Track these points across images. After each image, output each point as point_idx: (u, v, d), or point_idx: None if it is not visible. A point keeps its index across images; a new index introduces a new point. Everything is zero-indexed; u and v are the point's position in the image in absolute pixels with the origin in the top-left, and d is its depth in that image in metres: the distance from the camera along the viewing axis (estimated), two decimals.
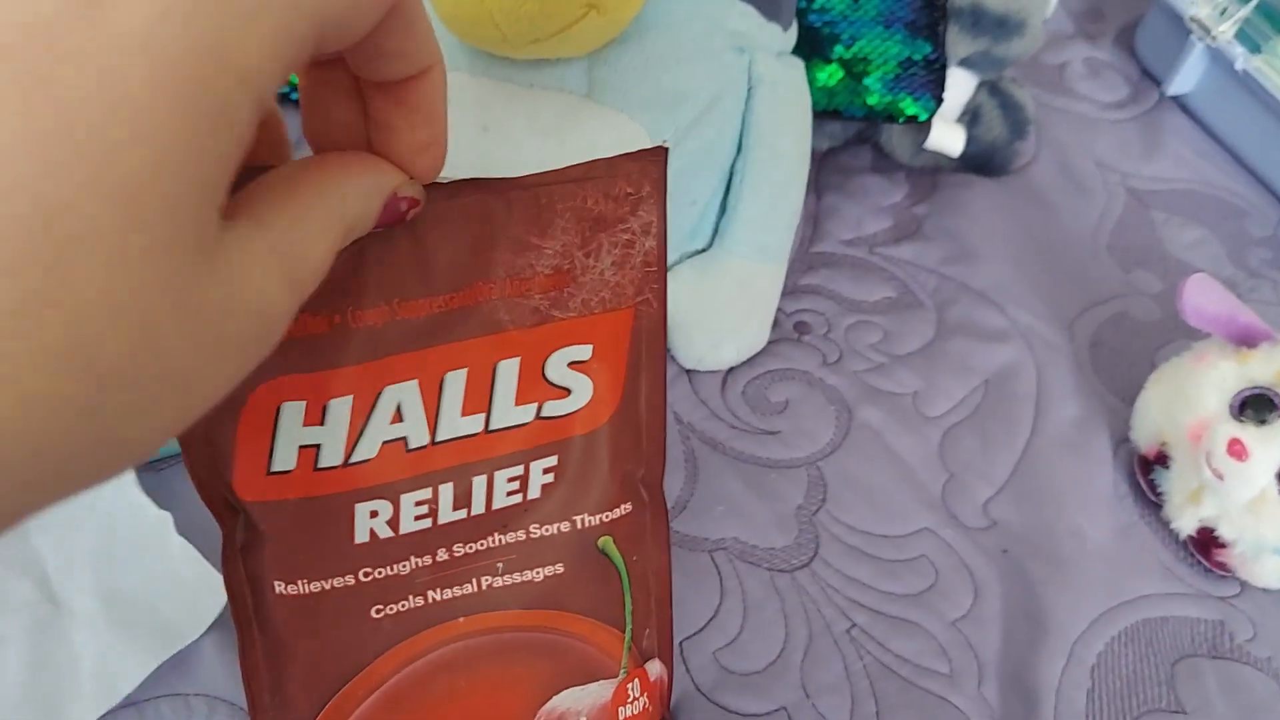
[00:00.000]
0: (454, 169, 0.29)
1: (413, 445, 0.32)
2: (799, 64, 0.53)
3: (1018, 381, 0.54)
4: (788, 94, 0.52)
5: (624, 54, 0.46)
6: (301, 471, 0.32)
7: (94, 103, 0.18)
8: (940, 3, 0.55)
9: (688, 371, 0.53)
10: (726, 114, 0.50)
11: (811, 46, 0.55)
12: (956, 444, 0.52)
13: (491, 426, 0.33)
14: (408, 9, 0.24)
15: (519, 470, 0.34)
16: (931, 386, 0.54)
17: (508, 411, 0.33)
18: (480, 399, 0.33)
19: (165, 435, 0.21)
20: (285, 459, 0.31)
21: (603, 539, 0.35)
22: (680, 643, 0.45)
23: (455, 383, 0.32)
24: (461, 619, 0.35)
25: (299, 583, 0.33)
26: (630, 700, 0.38)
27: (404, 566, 0.34)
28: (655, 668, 0.39)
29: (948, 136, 0.57)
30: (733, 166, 0.52)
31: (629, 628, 0.37)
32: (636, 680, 0.38)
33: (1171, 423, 0.48)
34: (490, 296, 0.32)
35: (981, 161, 0.62)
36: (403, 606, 0.34)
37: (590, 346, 0.33)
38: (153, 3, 0.18)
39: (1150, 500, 0.50)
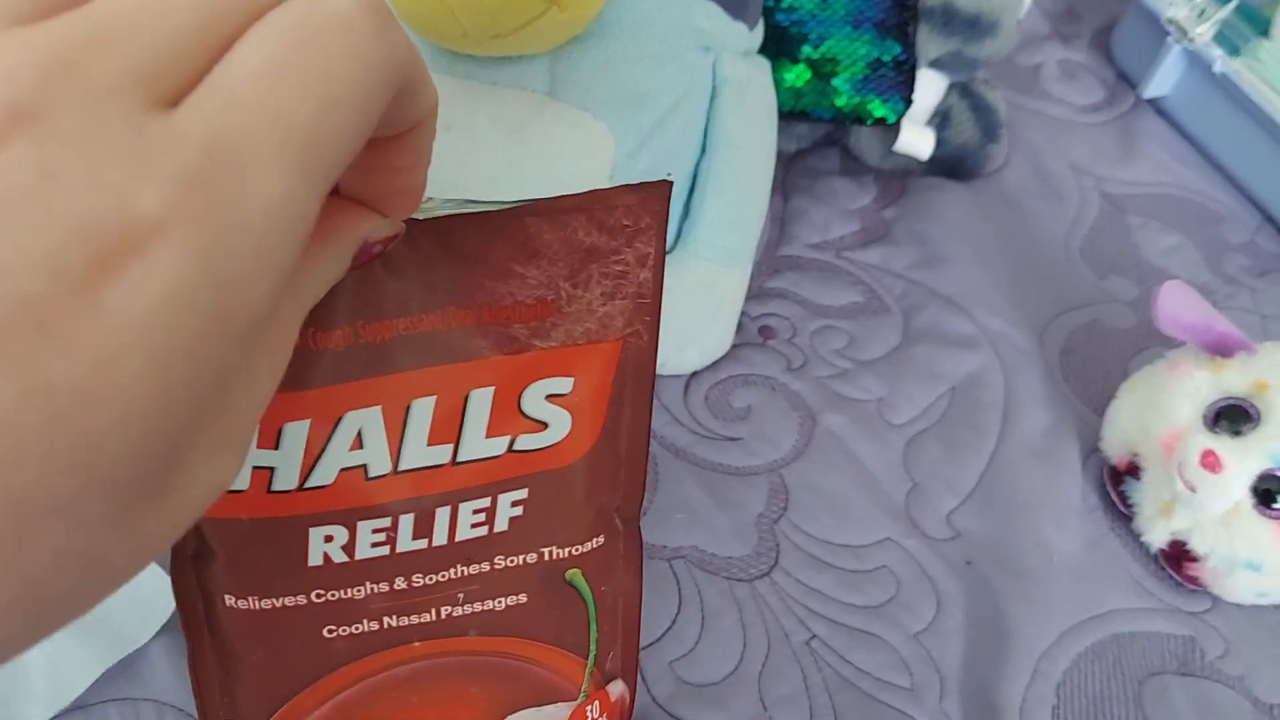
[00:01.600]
0: None
1: (373, 473, 0.31)
2: (765, 64, 0.52)
3: (985, 389, 0.53)
4: (753, 94, 0.51)
5: (587, 52, 0.45)
6: (254, 493, 0.30)
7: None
8: (910, 2, 0.54)
9: None
10: (691, 114, 0.49)
11: (778, 46, 0.54)
12: (921, 452, 0.51)
13: (459, 458, 0.31)
14: (413, 82, 0.22)
15: (485, 502, 0.32)
16: (897, 393, 0.53)
17: (478, 443, 0.31)
18: (449, 429, 0.31)
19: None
20: (238, 479, 0.30)
21: (571, 571, 0.34)
22: None
23: (422, 410, 0.31)
24: (418, 643, 0.34)
25: (249, 598, 0.32)
26: None
27: (359, 591, 0.32)
28: (617, 688, 0.38)
29: (917, 139, 0.56)
30: (697, 167, 0.51)
31: (592, 653, 0.36)
32: (597, 702, 0.37)
33: (1144, 433, 0.47)
34: (465, 322, 0.30)
35: (952, 165, 0.61)
36: (356, 629, 0.33)
37: (571, 380, 0.32)
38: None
39: (1120, 512, 0.49)
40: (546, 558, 0.34)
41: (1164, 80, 0.67)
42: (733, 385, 0.52)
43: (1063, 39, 0.73)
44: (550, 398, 0.32)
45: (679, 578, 0.46)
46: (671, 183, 0.30)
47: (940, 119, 0.59)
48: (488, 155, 0.46)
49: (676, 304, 0.50)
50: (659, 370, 0.51)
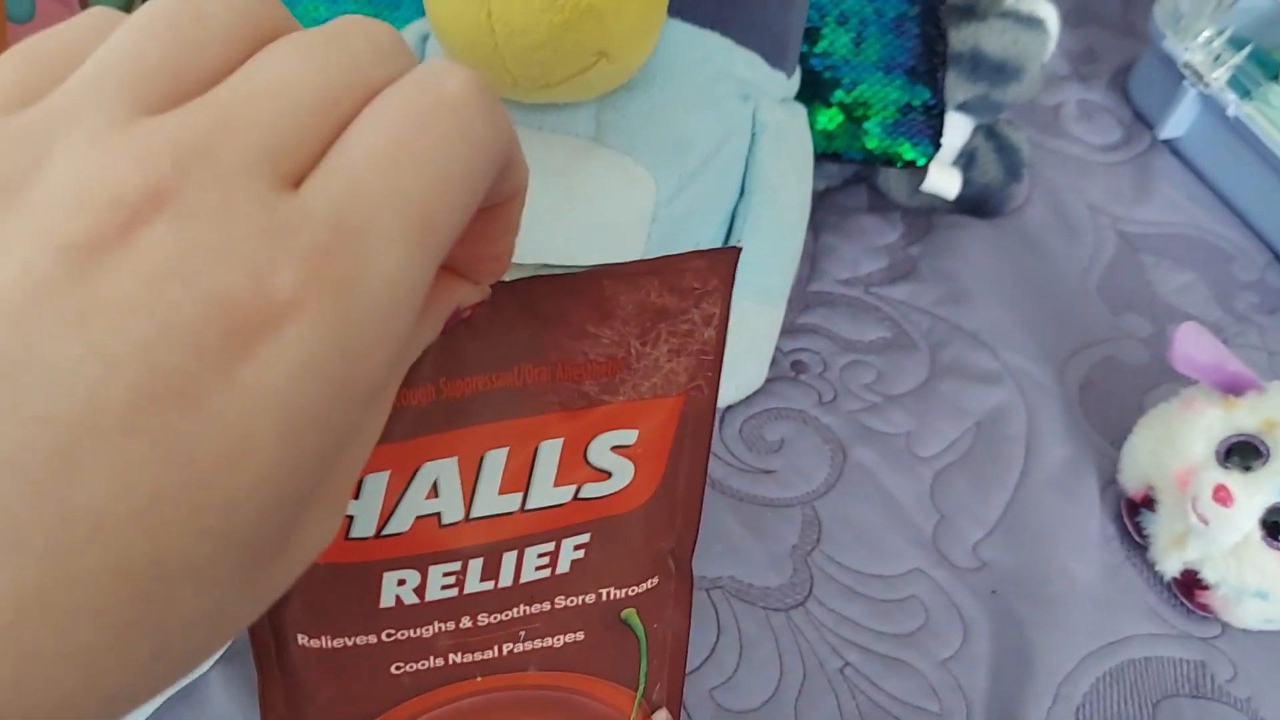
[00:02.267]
0: None
1: (446, 521, 0.32)
2: (802, 111, 0.54)
3: (1009, 423, 0.55)
4: (791, 141, 0.52)
5: (631, 100, 0.47)
6: (334, 540, 0.32)
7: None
8: (940, 49, 0.56)
9: None
10: (730, 159, 0.51)
11: (812, 90, 0.56)
12: (948, 485, 0.53)
13: (528, 506, 0.33)
14: (511, 162, 0.23)
15: (550, 547, 0.34)
16: (924, 427, 0.55)
17: (545, 492, 0.33)
18: (519, 478, 0.32)
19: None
20: None
21: (626, 611, 0.36)
22: None
23: (495, 461, 0.32)
24: (479, 678, 0.35)
25: (322, 638, 0.33)
26: None
27: (427, 630, 0.34)
28: (662, 716, 0.39)
29: (944, 179, 0.58)
30: (735, 210, 0.52)
31: (641, 686, 0.37)
32: None
33: (1159, 467, 0.49)
34: (540, 379, 0.32)
35: (977, 203, 0.63)
36: (423, 666, 0.35)
37: (636, 432, 0.33)
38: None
39: (1136, 542, 0.51)
40: (604, 598, 0.35)
41: (1179, 122, 0.68)
42: (767, 419, 0.54)
43: (1082, 79, 0.74)
44: (615, 449, 0.33)
45: (717, 607, 0.48)
46: (740, 249, 0.32)
47: (966, 159, 0.61)
48: (534, 197, 0.48)
49: None
50: None
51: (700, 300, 0.32)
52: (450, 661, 0.35)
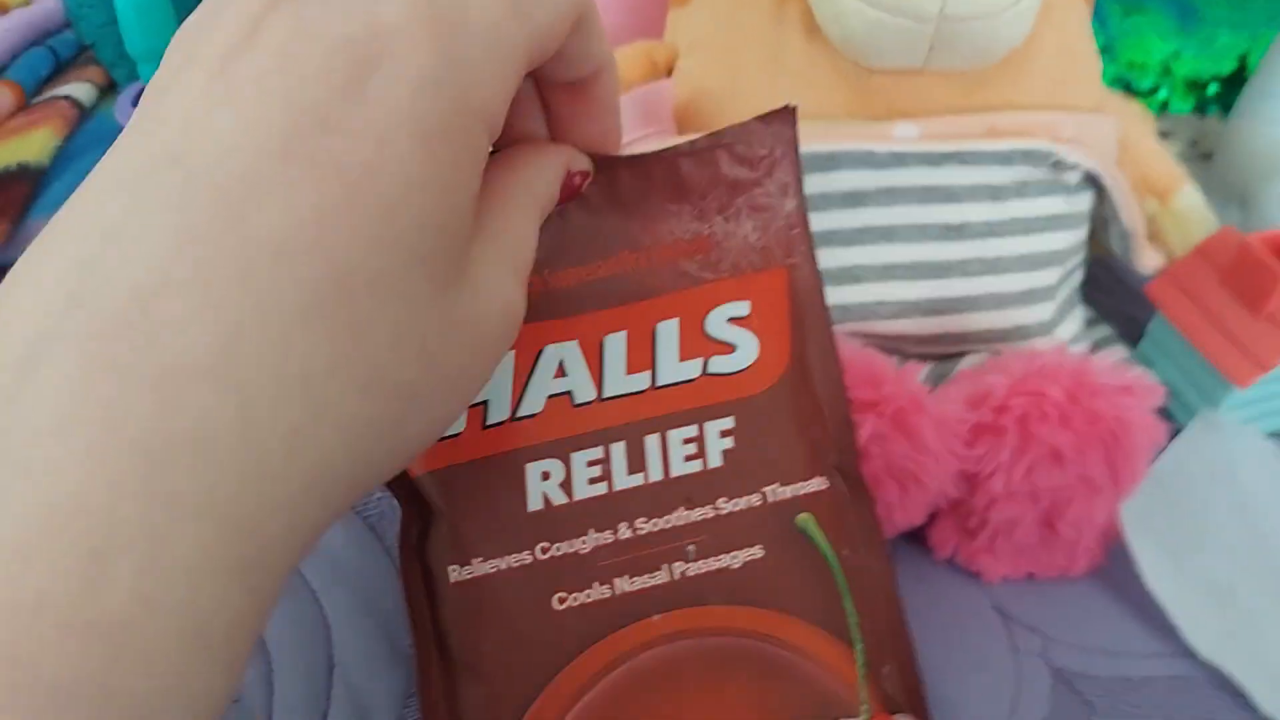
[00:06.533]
0: None
1: (579, 400, 0.33)
2: None
3: None
4: None
5: None
6: (470, 432, 0.32)
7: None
8: None
9: None
10: None
11: None
12: None
13: (658, 382, 0.33)
14: (588, 20, 0.27)
15: (693, 430, 0.33)
16: None
17: (673, 367, 0.33)
18: (643, 357, 0.33)
19: (444, 428, 0.25)
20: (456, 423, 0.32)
21: (801, 516, 0.32)
22: None
23: (616, 344, 0.33)
24: (656, 616, 0.31)
25: (474, 563, 0.32)
26: None
27: (584, 543, 0.32)
28: None
29: None
30: None
31: (859, 646, 0.31)
32: None
33: None
34: (638, 265, 0.34)
35: None
36: (588, 597, 0.31)
37: (748, 303, 0.34)
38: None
39: None
40: (769, 499, 0.32)
41: None
42: None
43: None
44: (732, 320, 0.34)
45: None
46: (795, 108, 0.35)
47: None
48: None
49: None
50: None
51: (772, 169, 0.35)
52: (618, 590, 0.31)
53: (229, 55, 0.22)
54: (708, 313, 0.34)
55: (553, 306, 0.33)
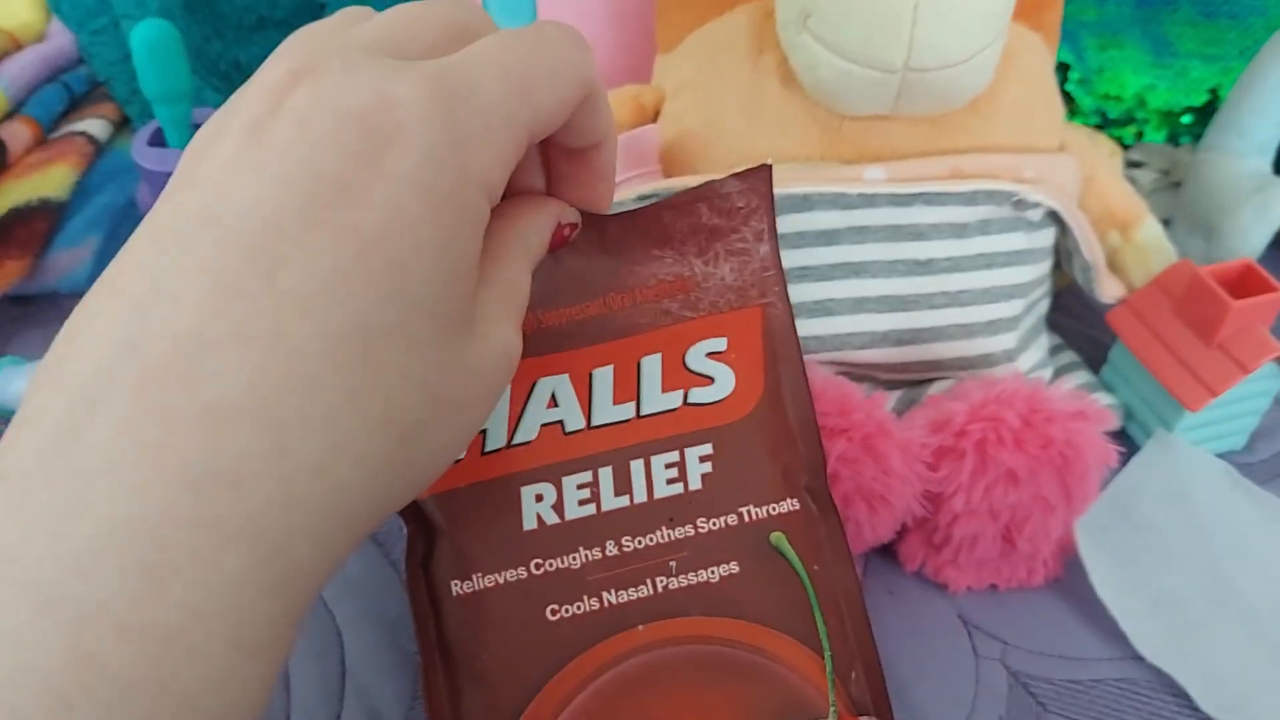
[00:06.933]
0: None
1: (569, 428, 0.36)
2: None
3: None
4: None
5: None
6: (470, 458, 0.36)
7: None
8: None
9: None
10: None
11: None
12: None
13: (642, 412, 0.36)
14: (594, 98, 0.30)
15: (675, 456, 0.35)
16: None
17: (656, 398, 0.36)
18: (628, 389, 0.36)
19: (449, 460, 0.28)
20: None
21: (774, 535, 0.35)
22: None
23: (603, 377, 0.36)
24: (641, 626, 0.34)
25: (474, 578, 0.35)
26: None
27: (574, 560, 0.35)
28: None
29: None
30: None
31: (827, 653, 0.34)
32: None
33: None
34: (624, 304, 0.37)
35: None
36: (578, 609, 0.34)
37: (725, 339, 0.37)
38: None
39: None
40: (746, 518, 0.35)
41: None
42: None
43: None
44: (711, 355, 0.37)
45: None
46: (770, 165, 0.38)
47: None
48: None
49: None
50: None
51: (748, 218, 0.38)
52: (605, 603, 0.34)
53: (256, 125, 0.25)
54: (688, 348, 0.37)
55: (545, 343, 0.37)
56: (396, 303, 0.24)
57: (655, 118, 0.52)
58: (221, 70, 0.70)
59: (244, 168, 0.24)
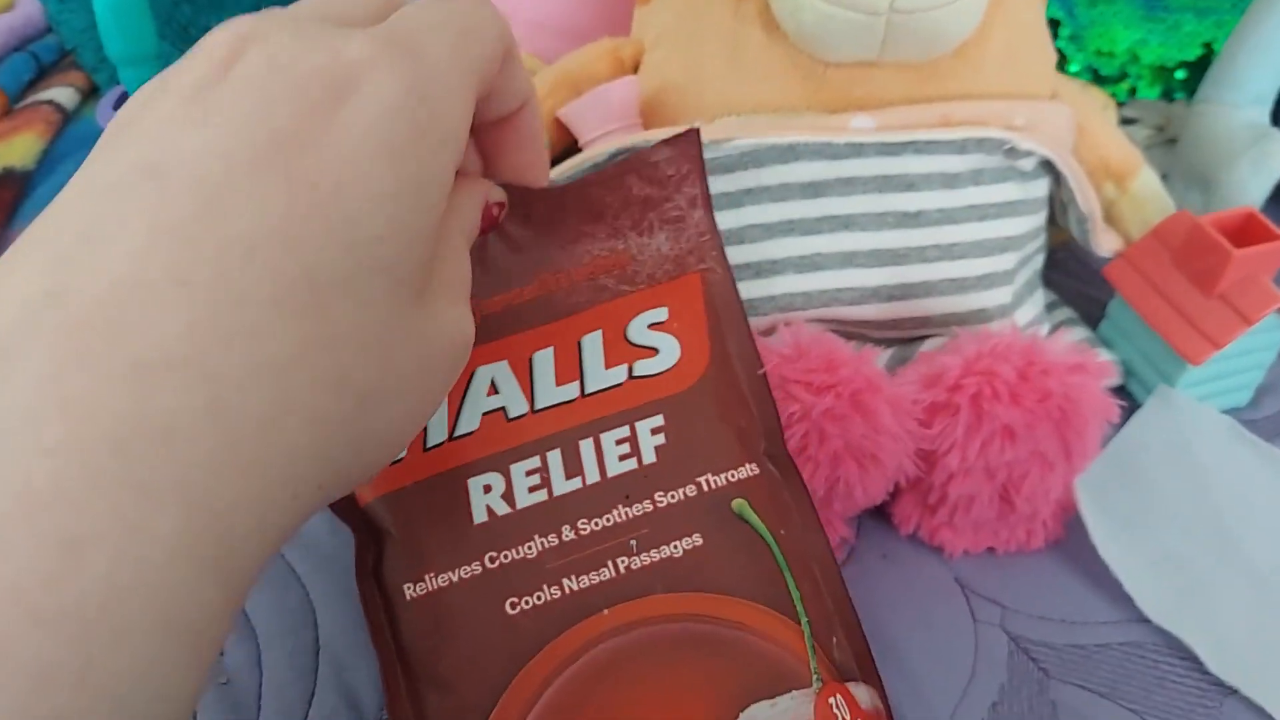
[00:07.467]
0: None
1: (513, 414, 0.35)
2: None
3: None
4: None
5: None
6: (412, 455, 0.34)
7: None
8: None
9: None
10: None
11: None
12: None
13: (587, 390, 0.35)
14: (512, 56, 0.30)
15: (625, 431, 0.34)
16: None
17: (600, 374, 0.35)
18: (571, 369, 0.35)
19: (408, 437, 0.27)
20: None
21: (736, 502, 0.34)
22: None
23: (544, 360, 0.35)
24: (605, 611, 0.32)
25: (427, 578, 0.33)
26: None
27: (530, 548, 0.33)
28: (864, 693, 0.33)
29: None
30: None
31: (804, 619, 0.32)
32: (839, 696, 0.32)
33: None
34: (559, 285, 0.36)
35: None
36: (538, 599, 0.32)
37: (665, 309, 0.36)
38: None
39: None
40: (705, 488, 0.34)
41: None
42: None
43: None
44: (653, 326, 0.36)
45: None
46: (699, 129, 0.37)
47: None
48: None
49: None
50: None
51: (680, 185, 0.37)
52: (566, 590, 0.32)
53: (202, 85, 0.23)
54: (629, 321, 0.36)
55: (482, 332, 0.35)
56: (350, 255, 0.23)
57: (635, 72, 0.50)
58: (192, 36, 0.68)
59: (188, 123, 0.23)
